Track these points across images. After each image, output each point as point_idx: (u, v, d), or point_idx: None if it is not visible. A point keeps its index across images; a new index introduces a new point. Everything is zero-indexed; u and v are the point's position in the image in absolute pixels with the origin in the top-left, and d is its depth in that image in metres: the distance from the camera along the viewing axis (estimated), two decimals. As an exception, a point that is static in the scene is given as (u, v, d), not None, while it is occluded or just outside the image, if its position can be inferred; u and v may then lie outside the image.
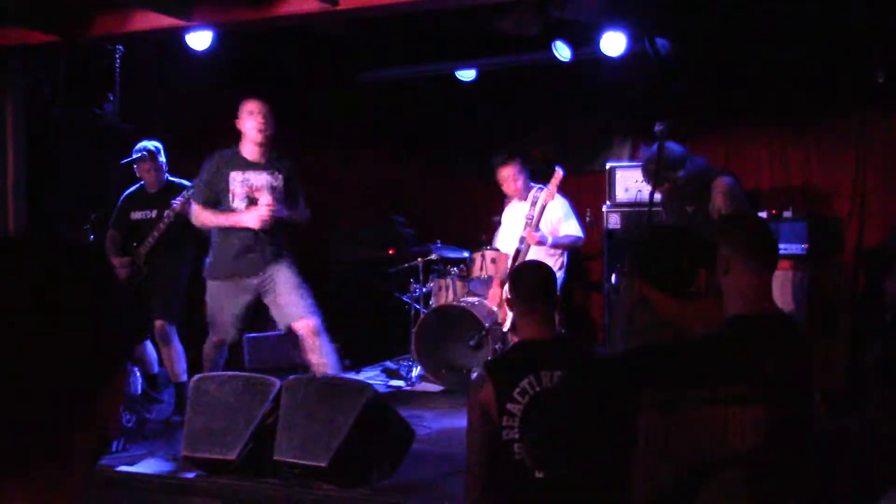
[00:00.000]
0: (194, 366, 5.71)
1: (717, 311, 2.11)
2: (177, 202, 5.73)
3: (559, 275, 6.22)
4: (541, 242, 5.97)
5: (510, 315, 5.69)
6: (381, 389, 6.46)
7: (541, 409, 2.84)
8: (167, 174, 6.05)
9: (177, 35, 5.99)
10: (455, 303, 6.74)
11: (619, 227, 7.16)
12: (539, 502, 2.86)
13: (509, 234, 6.42)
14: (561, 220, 6.26)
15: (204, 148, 6.29)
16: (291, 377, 4.64)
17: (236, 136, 5.48)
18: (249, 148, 5.36)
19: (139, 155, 5.91)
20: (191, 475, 4.61)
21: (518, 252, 6.02)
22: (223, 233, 5.31)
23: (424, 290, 7.25)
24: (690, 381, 2.00)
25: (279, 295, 5.38)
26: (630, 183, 7.13)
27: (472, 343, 6.21)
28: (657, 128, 4.83)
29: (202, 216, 5.33)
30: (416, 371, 6.98)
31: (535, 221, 6.04)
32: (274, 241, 5.39)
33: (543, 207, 6.01)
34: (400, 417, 4.56)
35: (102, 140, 6.64)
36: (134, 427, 5.16)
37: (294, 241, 8.48)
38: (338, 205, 8.82)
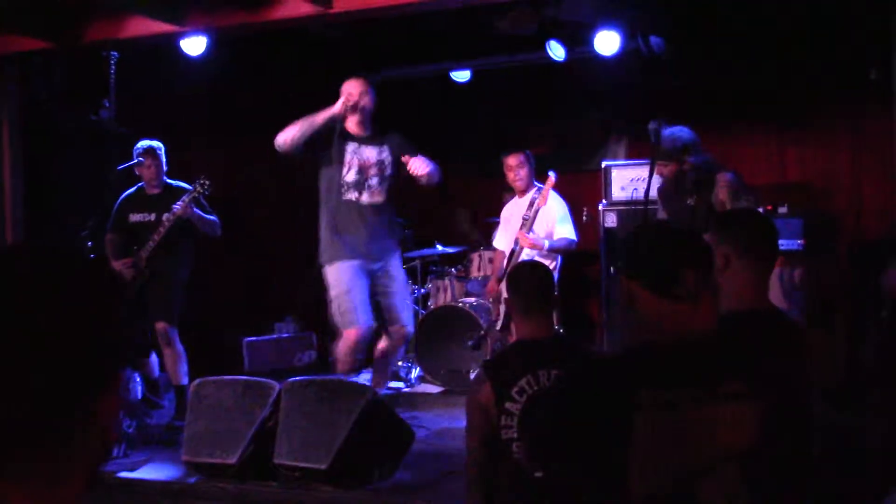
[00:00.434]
0: (195, 368, 5.72)
1: (708, 316, 2.10)
2: (178, 206, 5.73)
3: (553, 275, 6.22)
4: (535, 246, 5.98)
5: (502, 312, 5.71)
6: (381, 391, 6.46)
7: (539, 409, 2.85)
8: (165, 177, 6.05)
9: (171, 40, 6.00)
10: (453, 304, 6.75)
11: (615, 225, 7.17)
12: (538, 502, 2.87)
13: (507, 232, 6.43)
14: (556, 222, 6.26)
15: (200, 152, 6.31)
16: (291, 380, 4.65)
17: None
18: (351, 125, 5.27)
19: (138, 160, 5.91)
20: (192, 479, 4.62)
21: (513, 252, 6.03)
22: (345, 211, 5.15)
23: (423, 291, 7.26)
24: (687, 380, 2.00)
25: (394, 292, 5.26)
26: (626, 182, 7.14)
27: (470, 343, 6.21)
28: (651, 125, 4.84)
29: (285, 130, 5.15)
30: (416, 372, 6.99)
31: (529, 225, 6.04)
32: (392, 228, 5.34)
33: (537, 212, 6.02)
34: (399, 418, 4.57)
35: (99, 145, 6.64)
36: (135, 432, 5.17)
37: (290, 243, 8.52)
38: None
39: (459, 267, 7.27)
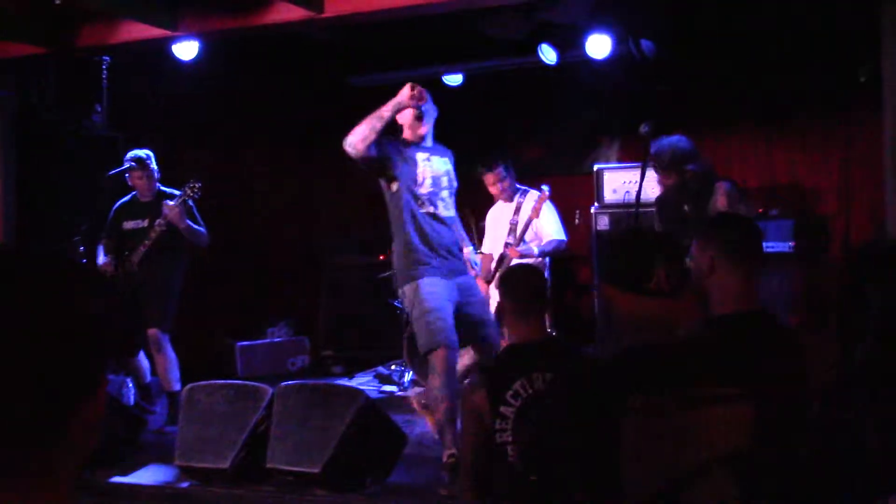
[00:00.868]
0: (189, 373, 5.70)
1: (690, 309, 2.12)
2: (167, 208, 5.72)
3: (543, 278, 6.22)
4: (525, 256, 5.98)
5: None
6: (374, 395, 6.46)
7: (533, 412, 2.86)
8: (158, 184, 6.04)
9: (164, 45, 6.00)
10: (446, 307, 6.74)
11: (607, 228, 7.19)
12: (532, 504, 2.88)
13: (493, 236, 6.43)
14: (544, 227, 6.26)
15: (193, 156, 6.30)
16: (283, 384, 4.64)
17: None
18: (411, 134, 4.86)
19: (129, 164, 5.90)
20: (184, 484, 4.61)
21: (503, 257, 6.04)
22: (426, 226, 4.72)
23: (415, 294, 7.25)
24: (677, 383, 2.01)
25: (478, 301, 4.91)
26: (618, 184, 7.16)
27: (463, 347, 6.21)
28: (643, 129, 4.85)
29: (352, 132, 4.56)
30: (409, 376, 6.98)
31: (518, 237, 6.05)
32: (458, 248, 4.99)
33: (527, 224, 6.02)
34: (392, 422, 4.57)
35: (91, 150, 6.63)
36: (127, 437, 5.15)
37: (284, 248, 8.52)
38: (329, 209, 8.84)
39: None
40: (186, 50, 6.14)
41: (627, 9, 6.56)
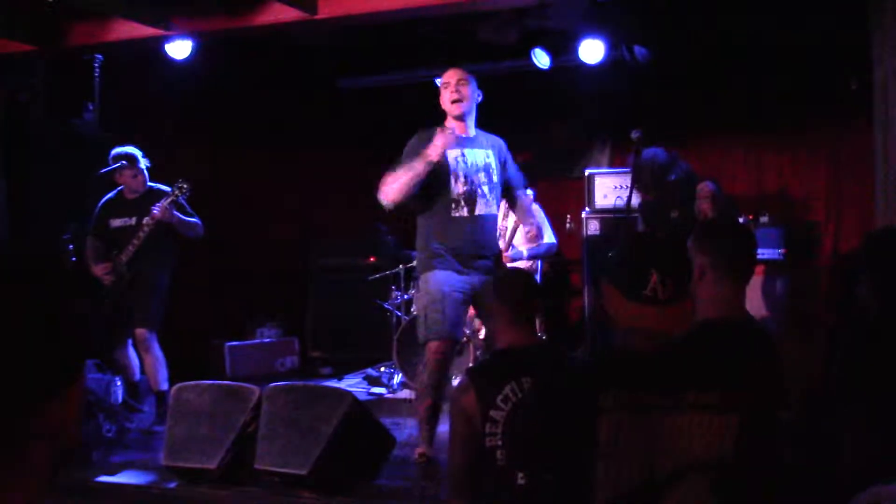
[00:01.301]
0: (178, 373, 5.69)
1: (679, 322, 2.13)
2: (157, 209, 5.70)
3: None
4: (514, 260, 5.99)
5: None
6: (363, 397, 6.46)
7: (522, 416, 2.86)
8: (148, 180, 6.01)
9: (156, 45, 5.99)
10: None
11: (598, 233, 7.20)
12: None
13: None
14: None
15: (184, 156, 6.27)
16: (271, 385, 4.63)
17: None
18: (452, 124, 4.61)
19: (121, 164, 5.88)
20: (171, 484, 4.60)
21: None
22: (453, 229, 4.53)
23: (405, 297, 7.25)
24: (657, 387, 2.02)
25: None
26: (609, 189, 7.17)
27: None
28: (634, 134, 4.87)
29: (387, 184, 4.49)
30: (398, 378, 6.98)
31: (507, 242, 6.05)
32: (492, 247, 4.73)
33: (514, 230, 6.03)
34: (380, 424, 4.57)
35: (82, 149, 6.61)
36: (114, 437, 5.14)
37: (274, 248, 8.51)
38: (319, 212, 8.83)
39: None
40: (179, 49, 6.12)
41: (620, 14, 6.58)
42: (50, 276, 1.02)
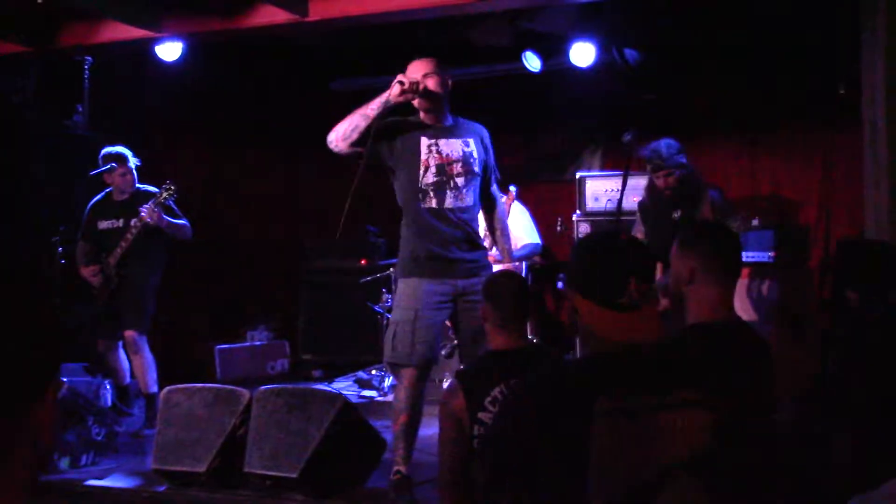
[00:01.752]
0: (168, 376, 5.67)
1: (651, 322, 2.12)
2: (144, 210, 5.69)
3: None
4: (498, 261, 5.99)
5: None
6: (354, 400, 6.44)
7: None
8: (137, 181, 5.99)
9: (147, 46, 5.98)
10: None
11: (589, 236, 7.21)
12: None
13: None
14: (519, 231, 6.24)
15: (174, 157, 6.24)
16: (262, 388, 4.62)
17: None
18: (424, 116, 4.41)
19: (110, 165, 5.86)
20: (161, 488, 4.58)
21: None
22: (425, 223, 4.30)
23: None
24: (642, 389, 2.01)
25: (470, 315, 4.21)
26: (600, 192, 7.18)
27: (443, 352, 6.21)
28: (625, 137, 4.87)
29: (336, 128, 4.29)
30: (388, 381, 6.97)
31: (491, 243, 6.05)
32: (478, 235, 4.48)
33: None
34: (371, 427, 4.56)
35: (72, 151, 6.59)
36: (103, 440, 5.12)
37: (265, 250, 8.49)
38: (309, 214, 8.82)
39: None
40: (170, 51, 6.11)
41: (611, 18, 6.59)
42: (27, 278, 1.01)
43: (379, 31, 6.26)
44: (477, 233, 4.48)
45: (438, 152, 4.31)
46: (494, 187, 4.62)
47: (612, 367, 1.98)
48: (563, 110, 8.02)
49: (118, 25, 5.63)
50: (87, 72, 6.57)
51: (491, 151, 4.55)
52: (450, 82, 4.43)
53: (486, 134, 4.55)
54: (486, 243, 5.90)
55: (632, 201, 5.81)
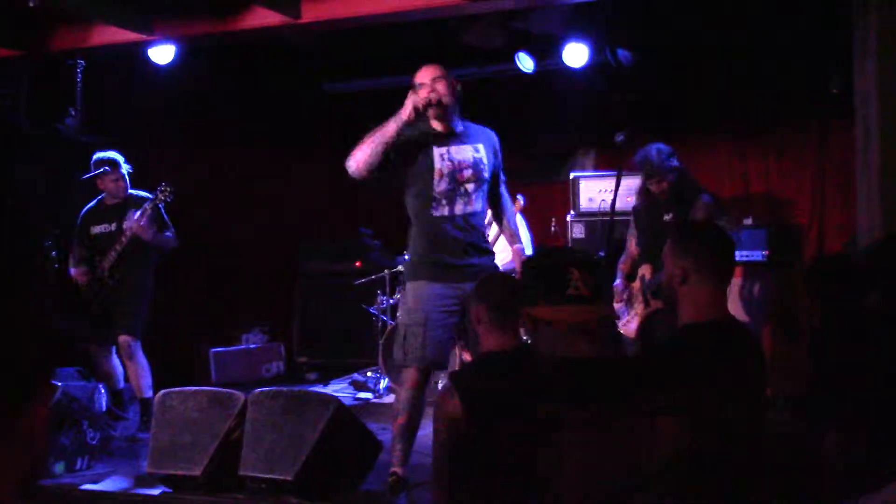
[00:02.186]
0: (163, 380, 5.66)
1: (607, 316, 2.17)
2: (130, 223, 5.68)
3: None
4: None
5: None
6: (349, 402, 6.45)
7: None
8: (129, 186, 5.99)
9: (139, 49, 5.97)
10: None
11: (583, 236, 7.21)
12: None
13: None
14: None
15: (166, 160, 6.21)
16: (257, 391, 4.61)
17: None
18: (435, 122, 4.43)
19: (102, 169, 5.85)
20: (155, 492, 4.57)
21: None
22: (437, 230, 4.32)
23: (391, 301, 7.25)
24: (611, 395, 2.02)
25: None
26: (594, 193, 7.18)
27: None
28: (618, 137, 4.87)
29: (356, 148, 4.28)
30: (384, 383, 6.97)
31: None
32: (486, 240, 4.52)
33: (498, 235, 6.04)
34: (366, 429, 4.55)
35: (65, 154, 6.58)
36: (98, 444, 5.11)
37: (259, 253, 8.48)
38: (305, 216, 8.81)
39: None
40: (162, 54, 6.11)
41: (604, 18, 6.60)
42: (21, 280, 1.00)
43: (371, 32, 6.27)
44: (485, 237, 4.55)
45: (450, 160, 4.35)
46: (503, 188, 4.68)
47: (576, 376, 1.99)
48: (556, 111, 8.03)
49: (110, 29, 5.63)
50: (79, 75, 6.56)
51: (500, 155, 4.60)
52: (459, 87, 4.46)
53: (496, 139, 4.59)
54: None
55: (626, 202, 5.83)
